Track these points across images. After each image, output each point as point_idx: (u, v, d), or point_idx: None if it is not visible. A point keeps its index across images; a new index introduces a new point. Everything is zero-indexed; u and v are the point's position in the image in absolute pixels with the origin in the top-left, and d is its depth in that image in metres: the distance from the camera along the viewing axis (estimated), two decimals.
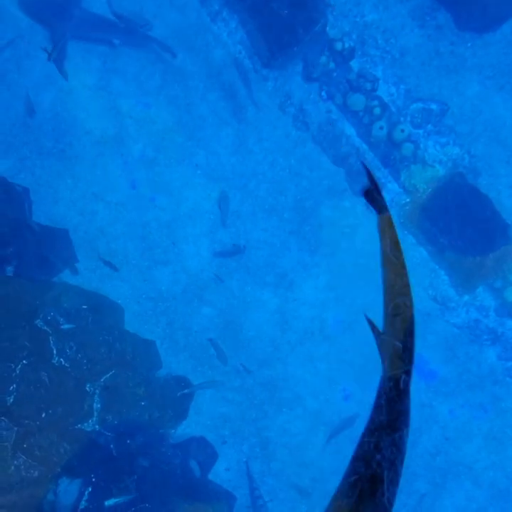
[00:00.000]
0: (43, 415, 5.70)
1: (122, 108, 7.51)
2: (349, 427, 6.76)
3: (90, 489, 5.54)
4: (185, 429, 6.95)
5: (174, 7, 7.39)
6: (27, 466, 5.49)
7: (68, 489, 5.59)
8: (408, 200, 7.46)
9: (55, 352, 5.95)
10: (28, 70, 7.33)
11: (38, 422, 5.64)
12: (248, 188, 7.51)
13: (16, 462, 5.47)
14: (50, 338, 5.94)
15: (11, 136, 7.26)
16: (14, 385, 5.66)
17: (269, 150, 7.57)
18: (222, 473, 7.02)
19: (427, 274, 7.45)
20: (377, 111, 7.26)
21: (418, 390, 7.38)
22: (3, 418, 5.51)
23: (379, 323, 7.02)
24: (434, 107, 7.45)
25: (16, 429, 5.53)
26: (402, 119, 7.38)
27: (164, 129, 7.44)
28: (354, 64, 7.40)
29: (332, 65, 7.32)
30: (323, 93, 7.43)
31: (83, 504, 5.52)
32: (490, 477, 7.33)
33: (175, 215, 7.44)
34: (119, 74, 7.52)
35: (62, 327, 5.96)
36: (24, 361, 5.72)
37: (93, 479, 5.59)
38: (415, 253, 7.45)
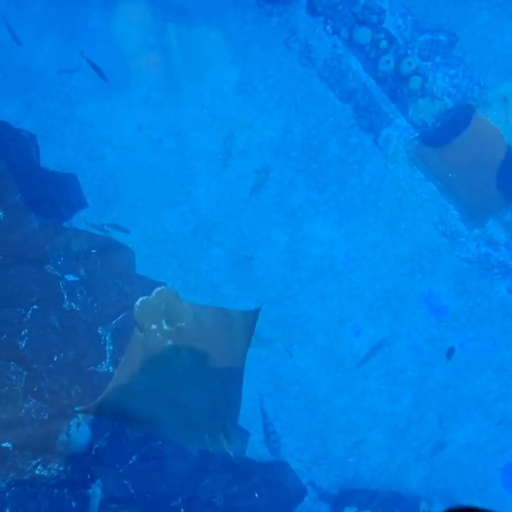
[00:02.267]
0: (55, 359, 5.80)
1: (126, 51, 7.44)
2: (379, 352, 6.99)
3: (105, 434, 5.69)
4: None
5: None
6: (37, 408, 5.62)
7: (81, 430, 5.73)
8: (417, 134, 7.35)
9: (65, 296, 6.03)
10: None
11: (50, 365, 5.74)
12: (255, 127, 7.45)
13: (26, 405, 5.60)
14: (60, 282, 6.01)
15: (15, 80, 7.23)
16: (26, 330, 5.76)
17: (275, 88, 7.47)
18: None
19: (436, 210, 7.40)
20: (383, 44, 7.11)
21: (429, 325, 7.42)
22: (12, 363, 5.62)
23: (385, 261, 7.00)
24: (442, 38, 7.28)
25: (25, 373, 5.65)
26: (409, 51, 7.23)
27: (168, 71, 7.36)
28: None
29: None
30: (328, 27, 7.28)
31: (97, 443, 5.67)
32: (500, 409, 7.40)
33: (182, 157, 7.41)
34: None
35: (66, 278, 6.02)
36: (34, 306, 5.81)
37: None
38: (424, 188, 7.39)
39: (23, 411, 5.64)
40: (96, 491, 5.74)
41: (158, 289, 3.87)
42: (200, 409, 4.30)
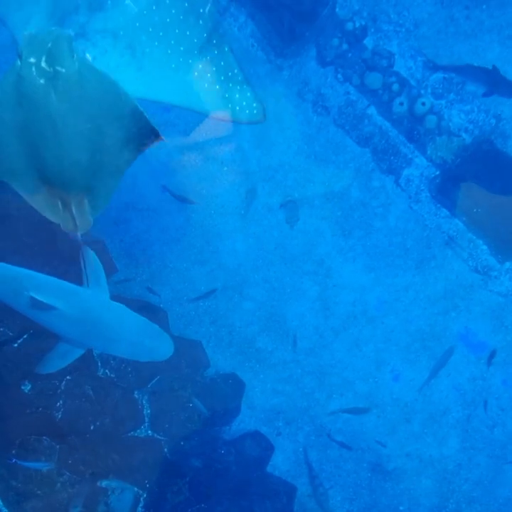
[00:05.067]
0: (92, 428, 5.83)
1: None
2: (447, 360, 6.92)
3: (145, 495, 5.65)
4: (239, 424, 7.04)
5: None
6: (72, 481, 5.63)
7: (121, 498, 5.71)
8: (438, 172, 7.34)
9: (99, 364, 6.08)
10: None
11: (87, 435, 5.77)
12: (276, 180, 7.51)
13: (61, 479, 5.61)
14: (94, 350, 6.07)
15: None
16: (61, 401, 5.80)
17: (292, 138, 7.54)
18: (280, 465, 7.09)
19: (465, 246, 7.34)
20: (395, 87, 7.16)
21: (468, 363, 7.31)
22: (45, 437, 5.66)
23: (418, 302, 6.97)
24: (454, 75, 7.31)
25: (58, 446, 5.68)
26: (422, 91, 7.27)
27: (186, 130, 7.49)
28: (368, 42, 7.31)
29: (345, 46, 7.24)
30: (339, 75, 7.36)
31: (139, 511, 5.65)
32: None
33: (206, 215, 7.49)
34: None
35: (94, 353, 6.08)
36: (68, 377, 5.86)
37: (147, 485, 5.70)
38: (451, 226, 7.35)
39: (59, 485, 5.64)
40: None
41: (54, 28, 3.65)
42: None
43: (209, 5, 4.84)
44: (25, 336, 5.89)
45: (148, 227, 7.49)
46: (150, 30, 4.73)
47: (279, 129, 7.51)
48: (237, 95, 4.97)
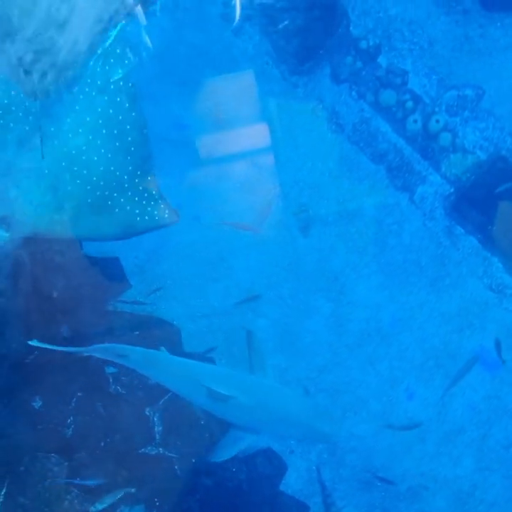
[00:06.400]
0: (102, 444, 5.81)
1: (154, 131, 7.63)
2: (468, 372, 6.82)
3: None
4: (251, 442, 6.99)
5: (197, 28, 7.47)
6: (81, 499, 5.61)
7: None
8: (452, 190, 7.33)
9: (111, 380, 6.08)
10: None
11: (97, 451, 5.75)
12: (290, 196, 7.52)
13: (68, 496, 5.59)
14: (105, 367, 6.07)
15: None
16: (71, 418, 5.80)
17: (307, 155, 7.56)
18: (293, 483, 7.03)
19: (479, 263, 7.30)
20: (409, 104, 7.18)
21: (484, 382, 7.24)
22: (53, 454, 5.65)
23: (432, 320, 6.93)
24: (469, 92, 7.31)
25: (66, 463, 5.66)
26: (436, 109, 7.27)
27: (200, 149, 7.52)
28: (382, 60, 7.34)
29: (359, 64, 7.27)
30: (353, 93, 7.38)
31: None
32: None
33: (220, 232, 7.49)
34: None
35: (106, 371, 6.08)
36: (79, 393, 5.86)
37: (157, 503, 5.67)
38: (465, 243, 7.32)
39: (66, 502, 5.62)
40: None
41: None
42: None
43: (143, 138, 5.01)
44: (36, 353, 5.90)
45: (163, 243, 7.51)
46: (75, 169, 4.77)
47: (294, 146, 7.52)
48: (148, 208, 5.04)
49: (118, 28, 4.59)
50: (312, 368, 7.25)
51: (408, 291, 7.32)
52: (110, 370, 6.22)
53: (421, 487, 7.06)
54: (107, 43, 4.64)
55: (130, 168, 5.00)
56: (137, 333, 6.62)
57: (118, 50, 4.81)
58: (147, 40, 5.76)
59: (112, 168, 4.92)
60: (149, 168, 5.15)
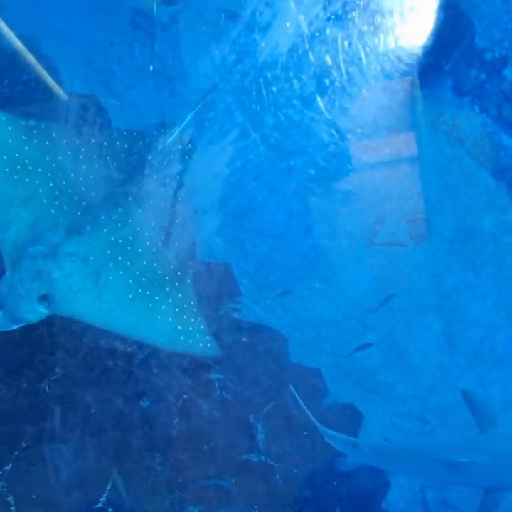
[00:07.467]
0: (205, 448, 5.89)
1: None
2: None
3: None
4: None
5: None
6: (181, 500, 5.70)
7: None
8: None
9: (217, 385, 6.16)
10: None
11: (200, 454, 5.83)
12: (405, 210, 7.39)
13: (170, 497, 5.69)
14: (212, 371, 6.15)
15: None
16: (177, 419, 5.90)
17: (424, 169, 7.41)
18: (395, 502, 6.89)
19: None
20: None
21: None
22: (157, 454, 5.76)
23: None
24: None
25: (169, 464, 5.76)
26: None
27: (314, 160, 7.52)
28: (508, 73, 7.11)
29: (483, 76, 7.08)
30: (475, 106, 7.19)
31: None
32: None
33: (332, 243, 7.46)
34: None
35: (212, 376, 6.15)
36: (185, 396, 5.97)
37: (256, 510, 5.68)
38: None
39: (167, 502, 5.72)
40: None
41: None
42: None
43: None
44: (149, 352, 6.05)
45: (274, 252, 7.54)
46: (119, 258, 4.79)
47: (411, 159, 7.40)
48: (190, 327, 4.91)
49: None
50: (420, 387, 7.09)
51: None
52: (216, 375, 6.31)
53: None
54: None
55: (171, 267, 4.98)
56: (245, 339, 6.68)
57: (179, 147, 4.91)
58: None
59: (155, 265, 4.91)
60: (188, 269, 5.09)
